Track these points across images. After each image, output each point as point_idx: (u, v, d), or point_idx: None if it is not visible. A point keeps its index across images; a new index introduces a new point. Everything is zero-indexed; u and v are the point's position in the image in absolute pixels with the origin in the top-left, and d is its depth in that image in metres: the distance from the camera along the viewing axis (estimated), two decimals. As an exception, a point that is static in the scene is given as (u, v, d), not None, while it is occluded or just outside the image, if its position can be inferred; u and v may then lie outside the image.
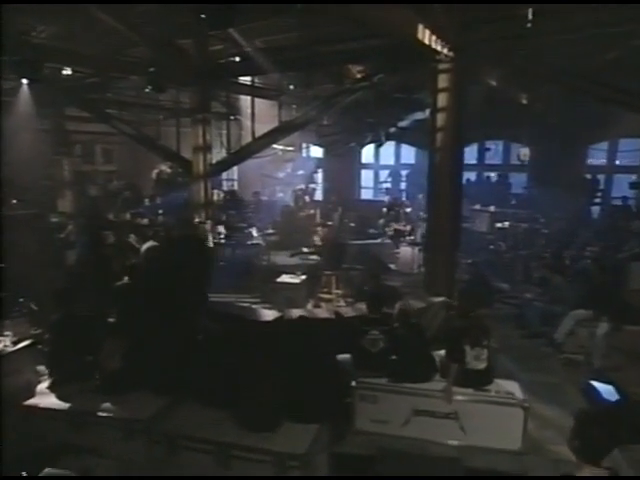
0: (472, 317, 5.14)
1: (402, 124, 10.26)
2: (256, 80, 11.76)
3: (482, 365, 4.98)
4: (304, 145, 19.83)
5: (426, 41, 6.26)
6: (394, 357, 5.27)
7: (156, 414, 4.65)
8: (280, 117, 9.41)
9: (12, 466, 3.87)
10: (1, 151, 8.16)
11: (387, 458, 4.43)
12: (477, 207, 14.13)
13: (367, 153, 20.16)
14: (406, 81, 8.86)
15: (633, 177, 15.05)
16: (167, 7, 7.44)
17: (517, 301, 9.20)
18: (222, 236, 10.92)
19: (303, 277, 8.71)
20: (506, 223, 14.03)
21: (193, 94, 9.70)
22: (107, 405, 4.72)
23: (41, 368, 5.22)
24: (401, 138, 10.75)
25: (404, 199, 16.46)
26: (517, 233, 13.29)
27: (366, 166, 20.65)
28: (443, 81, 7.27)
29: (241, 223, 12.33)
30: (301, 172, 19.53)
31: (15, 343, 5.52)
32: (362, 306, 6.85)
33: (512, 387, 5.02)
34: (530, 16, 6.22)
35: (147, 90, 8.43)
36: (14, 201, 9.04)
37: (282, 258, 12.88)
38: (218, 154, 10.86)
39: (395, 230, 12.76)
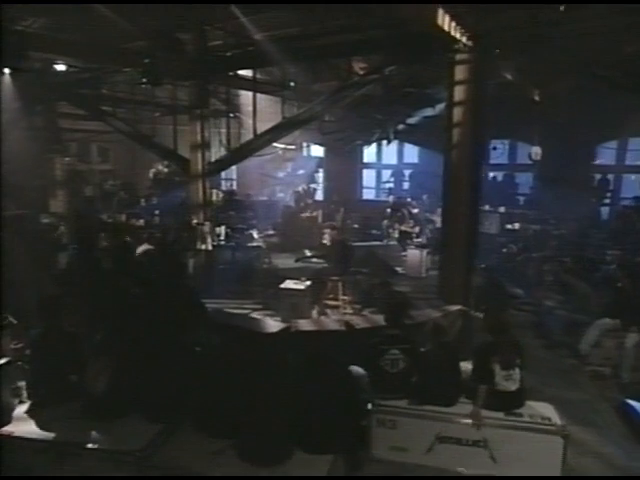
0: (501, 333, 4.61)
1: (411, 121, 9.73)
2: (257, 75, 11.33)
3: (514, 386, 4.45)
4: (304, 144, 19.34)
5: (445, 27, 5.72)
6: (416, 377, 4.74)
7: (149, 444, 4.11)
8: (283, 114, 8.85)
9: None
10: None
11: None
12: (486, 208, 13.58)
13: (369, 152, 19.73)
14: (417, 75, 8.34)
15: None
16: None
17: (534, 307, 8.72)
18: (221, 238, 10.38)
19: (308, 283, 8.16)
20: (516, 225, 13.55)
21: (191, 88, 9.15)
22: (93, 433, 4.18)
23: (19, 389, 4.66)
24: (409, 136, 10.22)
25: (408, 199, 15.96)
26: (528, 235, 12.79)
27: (368, 165, 20.14)
28: (461, 73, 6.75)
29: (241, 224, 11.80)
30: (301, 172, 19.08)
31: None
32: (375, 316, 6.36)
33: (547, 410, 4.49)
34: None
35: (143, 81, 7.82)
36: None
37: (284, 261, 12.40)
38: (216, 153, 10.32)
39: (402, 232, 12.24)
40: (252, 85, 9.47)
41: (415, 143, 13.63)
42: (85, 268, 6.43)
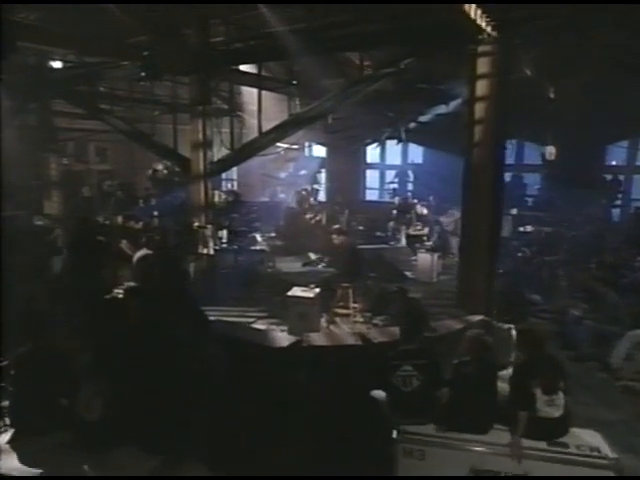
0: (540, 351, 4.13)
1: (423, 119, 9.25)
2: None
3: (557, 412, 3.97)
4: (306, 144, 18.89)
5: (471, 15, 5.25)
6: (445, 398, 4.25)
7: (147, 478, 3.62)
8: (289, 111, 8.37)
9: None
10: None
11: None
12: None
13: (372, 152, 19.30)
14: (432, 69, 7.87)
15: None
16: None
17: (554, 315, 8.26)
18: (224, 241, 9.89)
19: (317, 290, 7.67)
20: (528, 227, 13.10)
21: (192, 84, 8.67)
22: (85, 467, 3.69)
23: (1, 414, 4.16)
24: (421, 135, 9.74)
25: (415, 200, 15.49)
26: (541, 238, 12.32)
27: (371, 166, 19.71)
28: (483, 66, 6.28)
29: (243, 227, 11.32)
30: (303, 172, 18.65)
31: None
32: (394, 329, 5.88)
33: (594, 439, 4.01)
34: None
35: (142, 75, 7.33)
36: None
37: (288, 265, 11.91)
38: (217, 153, 9.85)
39: (412, 235, 11.76)
40: (257, 81, 8.98)
41: (425, 143, 13.09)
42: (78, 277, 5.92)
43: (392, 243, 12.98)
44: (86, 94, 10.92)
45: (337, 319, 8.23)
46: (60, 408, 4.03)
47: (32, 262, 7.47)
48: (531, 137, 14.40)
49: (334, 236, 8.02)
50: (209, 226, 8.87)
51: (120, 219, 10.45)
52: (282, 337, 5.68)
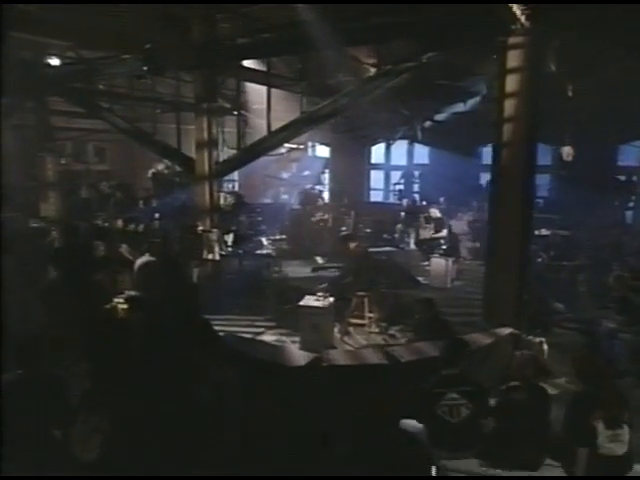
0: (601, 380, 3.65)
1: (439, 117, 8.76)
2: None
3: (621, 449, 3.49)
4: (309, 144, 18.43)
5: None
6: (489, 430, 3.78)
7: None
8: (293, 110, 7.87)
9: None
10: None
11: None
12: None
13: (377, 152, 18.84)
14: (454, 64, 7.40)
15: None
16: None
17: (581, 326, 7.78)
18: (229, 246, 9.39)
19: (330, 299, 7.19)
20: (542, 230, 12.62)
21: (196, 80, 8.19)
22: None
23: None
24: (437, 134, 9.24)
25: (424, 202, 15.03)
26: (558, 242, 11.84)
27: (376, 166, 19.23)
28: (514, 60, 5.80)
29: (248, 230, 10.83)
30: (307, 173, 18.21)
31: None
32: (420, 345, 5.40)
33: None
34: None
35: (143, 69, 6.85)
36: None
37: (295, 269, 11.43)
38: (219, 154, 9.37)
39: (425, 239, 11.30)
40: (265, 79, 8.49)
41: (438, 143, 12.60)
42: (73, 288, 5.42)
43: (402, 246, 12.50)
44: (85, 91, 10.42)
45: (351, 329, 7.77)
46: (53, 441, 3.54)
47: (25, 270, 6.96)
48: (546, 138, 13.90)
49: (350, 242, 7.53)
50: (214, 230, 8.37)
51: (120, 222, 9.98)
52: (299, 354, 5.17)
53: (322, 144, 18.42)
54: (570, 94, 10.79)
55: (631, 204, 15.10)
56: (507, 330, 6.03)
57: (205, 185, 8.42)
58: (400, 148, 18.15)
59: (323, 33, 6.34)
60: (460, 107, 8.50)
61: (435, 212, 11.50)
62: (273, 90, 12.53)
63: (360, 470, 3.50)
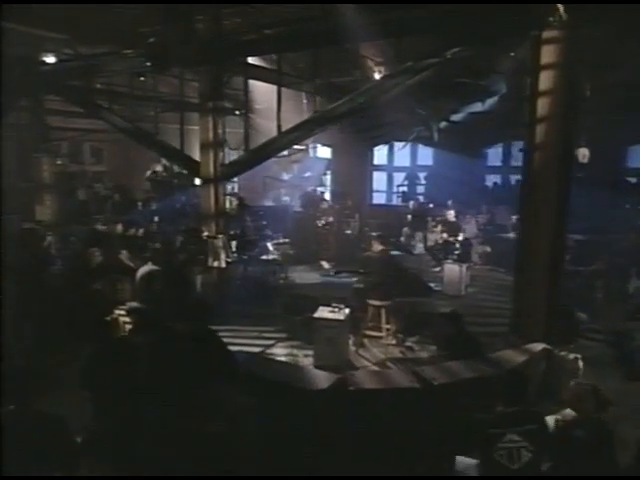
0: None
1: (456, 117, 8.37)
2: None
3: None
4: (311, 145, 18.01)
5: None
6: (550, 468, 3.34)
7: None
8: (315, 107, 7.42)
9: None
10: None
11: None
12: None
13: (379, 153, 18.44)
14: (477, 61, 6.98)
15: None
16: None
17: (608, 337, 7.40)
18: (235, 252, 8.95)
19: (346, 311, 6.76)
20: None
21: (202, 77, 7.74)
22: None
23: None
24: (451, 135, 8.84)
25: (430, 205, 14.64)
26: (572, 246, 11.45)
27: (378, 167, 18.83)
28: (549, 55, 5.39)
29: (254, 235, 10.40)
30: (308, 174, 17.80)
31: None
32: (453, 365, 4.96)
33: None
34: None
35: (147, 65, 6.40)
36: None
37: (301, 275, 11.01)
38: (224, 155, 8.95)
39: (438, 243, 10.90)
40: (275, 77, 8.04)
41: (451, 145, 12.19)
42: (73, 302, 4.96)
43: (414, 250, 12.11)
44: (84, 90, 9.96)
45: (365, 341, 7.35)
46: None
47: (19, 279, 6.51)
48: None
49: (377, 244, 7.08)
50: (220, 236, 7.92)
51: (120, 226, 9.52)
52: (320, 376, 4.73)
53: (324, 145, 18.01)
54: (588, 93, 10.42)
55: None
56: (540, 346, 5.62)
57: (210, 188, 7.97)
58: (403, 149, 17.75)
59: (347, 26, 5.92)
60: (478, 107, 8.13)
61: (450, 215, 11.09)
62: (274, 89, 12.22)
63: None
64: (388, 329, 7.14)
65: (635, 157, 15.03)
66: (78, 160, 15.58)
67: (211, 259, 7.89)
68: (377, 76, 9.34)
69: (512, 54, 7.98)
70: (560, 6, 4.90)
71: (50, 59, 9.72)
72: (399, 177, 18.16)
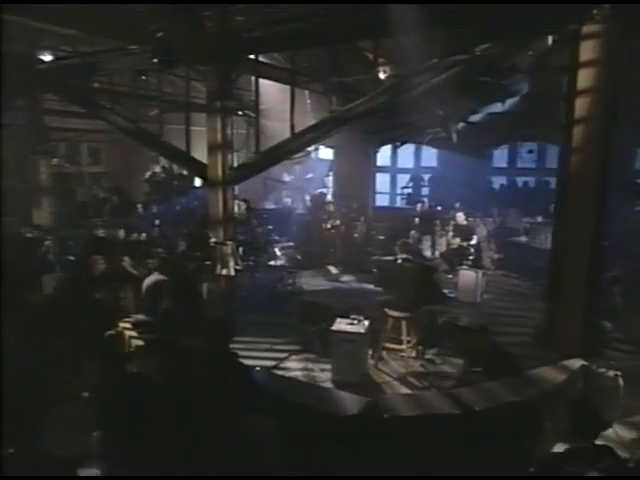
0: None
1: (474, 118, 8.02)
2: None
3: None
4: (313, 145, 17.64)
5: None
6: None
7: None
8: (331, 106, 7.07)
9: None
10: None
11: None
12: (539, 220, 11.91)
13: (382, 154, 18.09)
14: (505, 58, 6.60)
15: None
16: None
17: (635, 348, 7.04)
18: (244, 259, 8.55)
19: (366, 323, 6.37)
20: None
21: (210, 76, 7.35)
22: None
23: None
24: (469, 136, 8.46)
25: (439, 208, 14.27)
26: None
27: (382, 169, 18.47)
28: (588, 51, 5.04)
29: (262, 241, 10.03)
30: (310, 175, 17.46)
31: None
32: (491, 385, 4.59)
33: None
34: None
35: (154, 62, 6.01)
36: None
37: (308, 280, 10.61)
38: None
39: (451, 248, 10.54)
40: (288, 75, 7.66)
41: (471, 146, 11.83)
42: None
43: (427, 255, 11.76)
44: (85, 89, 9.56)
45: (384, 354, 6.97)
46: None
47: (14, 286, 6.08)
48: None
49: (398, 253, 6.72)
50: (229, 243, 7.52)
51: (122, 232, 9.11)
52: (348, 399, 4.33)
53: (326, 146, 17.65)
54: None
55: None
56: (578, 362, 5.26)
57: (218, 192, 7.57)
58: (407, 150, 17.41)
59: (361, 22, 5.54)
60: (498, 107, 7.77)
61: (460, 218, 10.73)
62: (278, 89, 11.83)
63: None
64: (409, 341, 6.76)
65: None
66: (75, 161, 15.17)
67: (219, 267, 7.48)
68: (390, 75, 9.00)
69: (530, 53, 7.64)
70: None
71: (49, 57, 9.36)
72: (403, 179, 17.85)
